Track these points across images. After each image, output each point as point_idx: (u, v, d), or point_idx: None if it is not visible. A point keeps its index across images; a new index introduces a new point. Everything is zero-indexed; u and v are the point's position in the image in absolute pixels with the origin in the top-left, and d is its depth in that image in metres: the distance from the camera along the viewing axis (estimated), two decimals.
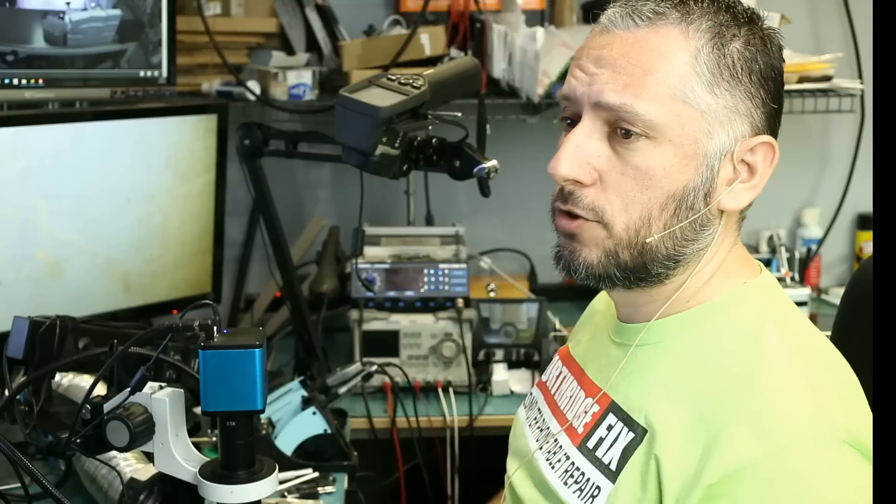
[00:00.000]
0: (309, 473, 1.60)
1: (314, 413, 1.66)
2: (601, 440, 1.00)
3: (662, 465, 0.92)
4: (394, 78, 1.52)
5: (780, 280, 2.44)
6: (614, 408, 1.01)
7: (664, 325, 1.02)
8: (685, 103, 0.95)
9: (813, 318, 2.33)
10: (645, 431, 0.95)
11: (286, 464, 1.59)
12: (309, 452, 1.66)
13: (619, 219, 0.97)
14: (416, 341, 2.04)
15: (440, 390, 2.03)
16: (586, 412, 1.05)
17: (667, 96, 0.94)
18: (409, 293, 2.09)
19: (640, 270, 0.98)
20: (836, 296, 2.57)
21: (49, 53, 1.83)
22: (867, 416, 0.95)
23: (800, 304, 2.29)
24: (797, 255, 2.51)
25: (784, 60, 1.02)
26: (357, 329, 2.04)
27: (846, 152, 2.69)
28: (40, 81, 1.83)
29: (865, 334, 1.19)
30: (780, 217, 2.73)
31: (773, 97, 1.00)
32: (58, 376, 1.61)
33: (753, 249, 2.68)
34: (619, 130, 0.96)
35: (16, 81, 1.79)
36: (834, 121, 2.66)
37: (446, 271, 2.10)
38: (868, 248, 2.68)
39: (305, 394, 1.68)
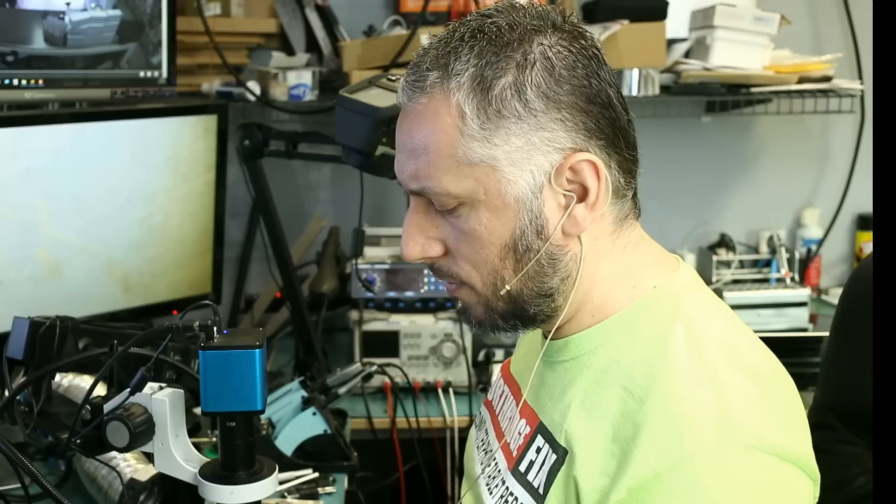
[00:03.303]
0: (309, 474, 1.60)
1: (314, 413, 1.66)
2: (531, 463, 0.99)
3: (580, 487, 0.90)
4: (394, 78, 1.52)
5: (780, 280, 2.44)
6: (542, 429, 0.99)
7: (582, 339, 0.99)
8: (472, 165, 0.92)
9: (813, 318, 2.33)
10: (566, 452, 0.93)
11: (286, 464, 1.59)
12: (309, 453, 1.66)
13: (474, 279, 0.97)
14: (416, 342, 2.04)
15: (440, 391, 2.03)
16: (520, 434, 1.03)
17: (452, 166, 0.92)
18: (409, 293, 2.09)
19: (520, 314, 0.98)
20: (836, 296, 2.57)
21: (49, 54, 1.83)
22: (793, 418, 0.92)
23: (799, 304, 2.30)
24: (797, 255, 2.51)
25: (598, 48, 0.96)
26: (357, 329, 2.04)
27: (846, 152, 2.69)
28: (40, 82, 1.83)
29: (863, 333, 1.20)
30: (780, 217, 2.73)
31: (583, 107, 0.92)
32: (58, 377, 1.61)
33: (753, 250, 2.68)
34: (437, 206, 0.96)
35: (16, 82, 1.79)
36: (834, 121, 2.66)
37: None
38: (868, 249, 2.68)
39: (305, 394, 1.68)
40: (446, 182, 0.93)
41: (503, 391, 1.17)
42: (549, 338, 1.02)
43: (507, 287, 0.96)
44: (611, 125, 0.94)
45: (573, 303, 0.98)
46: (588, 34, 0.96)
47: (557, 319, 0.99)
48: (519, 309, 0.98)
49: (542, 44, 0.92)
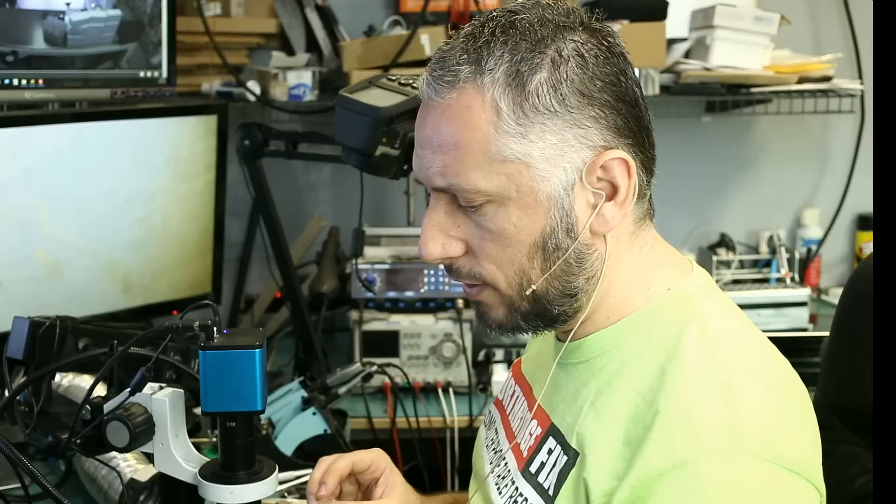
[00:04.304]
0: (309, 474, 1.60)
1: (314, 413, 1.66)
2: (542, 465, 0.98)
3: (591, 489, 0.90)
4: (394, 78, 1.52)
5: (780, 280, 2.44)
6: (553, 430, 0.99)
7: (595, 341, 0.99)
8: (505, 161, 0.90)
9: (813, 318, 2.33)
10: (577, 454, 0.93)
11: (286, 464, 1.59)
12: (309, 453, 1.66)
13: (498, 279, 0.96)
14: (416, 342, 2.04)
15: (440, 391, 2.03)
16: (531, 434, 1.03)
17: (484, 163, 0.91)
18: (409, 293, 2.09)
19: (543, 315, 0.97)
20: (836, 296, 2.57)
21: (49, 54, 1.83)
22: (804, 427, 0.92)
23: (799, 304, 2.30)
24: (797, 255, 2.51)
25: (624, 47, 0.96)
26: (357, 329, 2.04)
27: (846, 152, 2.69)
28: (40, 82, 1.83)
29: (863, 333, 1.20)
30: (780, 217, 2.73)
31: (613, 104, 0.92)
32: (58, 377, 1.61)
33: (753, 250, 2.68)
34: (463, 202, 0.94)
35: (16, 82, 1.79)
36: (834, 121, 2.66)
37: None
38: (868, 249, 2.68)
39: (305, 394, 1.68)
40: (476, 178, 0.91)
41: (514, 391, 1.16)
42: (566, 339, 1.01)
43: (534, 287, 0.95)
44: (637, 124, 0.94)
45: (591, 303, 0.97)
46: (615, 33, 0.96)
47: (577, 321, 0.98)
48: (542, 309, 0.97)
49: (574, 40, 0.92)
